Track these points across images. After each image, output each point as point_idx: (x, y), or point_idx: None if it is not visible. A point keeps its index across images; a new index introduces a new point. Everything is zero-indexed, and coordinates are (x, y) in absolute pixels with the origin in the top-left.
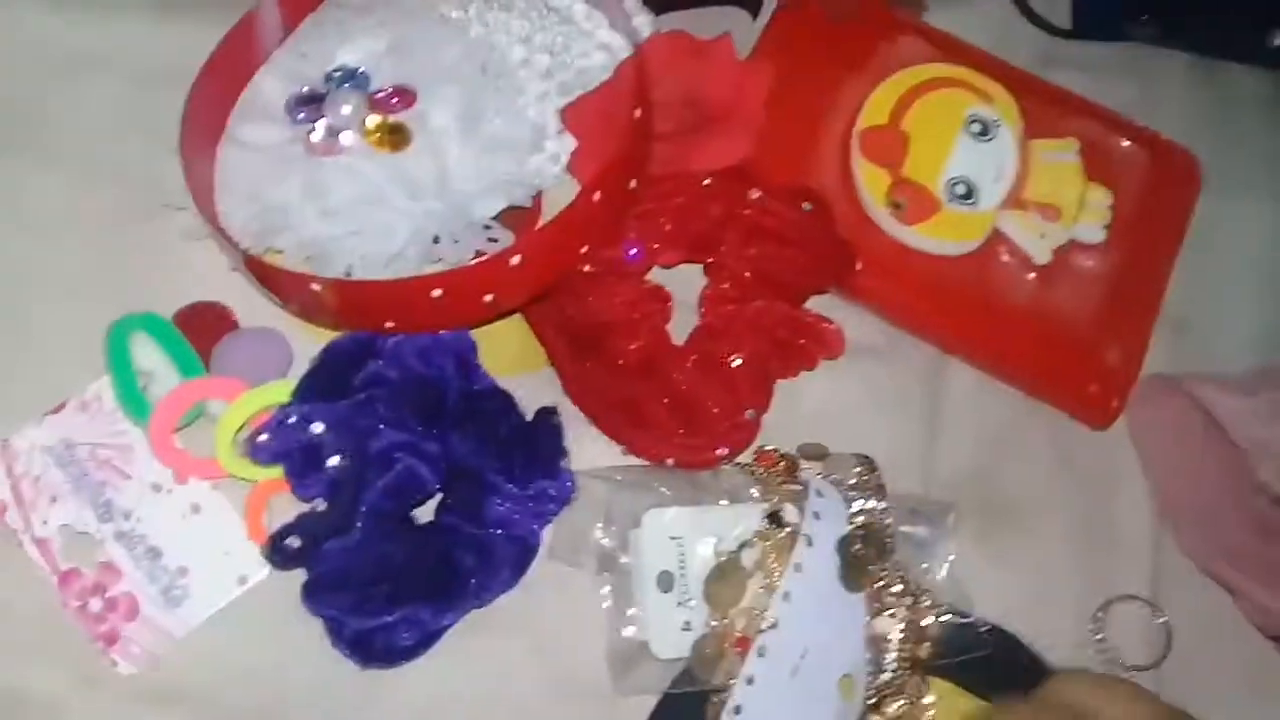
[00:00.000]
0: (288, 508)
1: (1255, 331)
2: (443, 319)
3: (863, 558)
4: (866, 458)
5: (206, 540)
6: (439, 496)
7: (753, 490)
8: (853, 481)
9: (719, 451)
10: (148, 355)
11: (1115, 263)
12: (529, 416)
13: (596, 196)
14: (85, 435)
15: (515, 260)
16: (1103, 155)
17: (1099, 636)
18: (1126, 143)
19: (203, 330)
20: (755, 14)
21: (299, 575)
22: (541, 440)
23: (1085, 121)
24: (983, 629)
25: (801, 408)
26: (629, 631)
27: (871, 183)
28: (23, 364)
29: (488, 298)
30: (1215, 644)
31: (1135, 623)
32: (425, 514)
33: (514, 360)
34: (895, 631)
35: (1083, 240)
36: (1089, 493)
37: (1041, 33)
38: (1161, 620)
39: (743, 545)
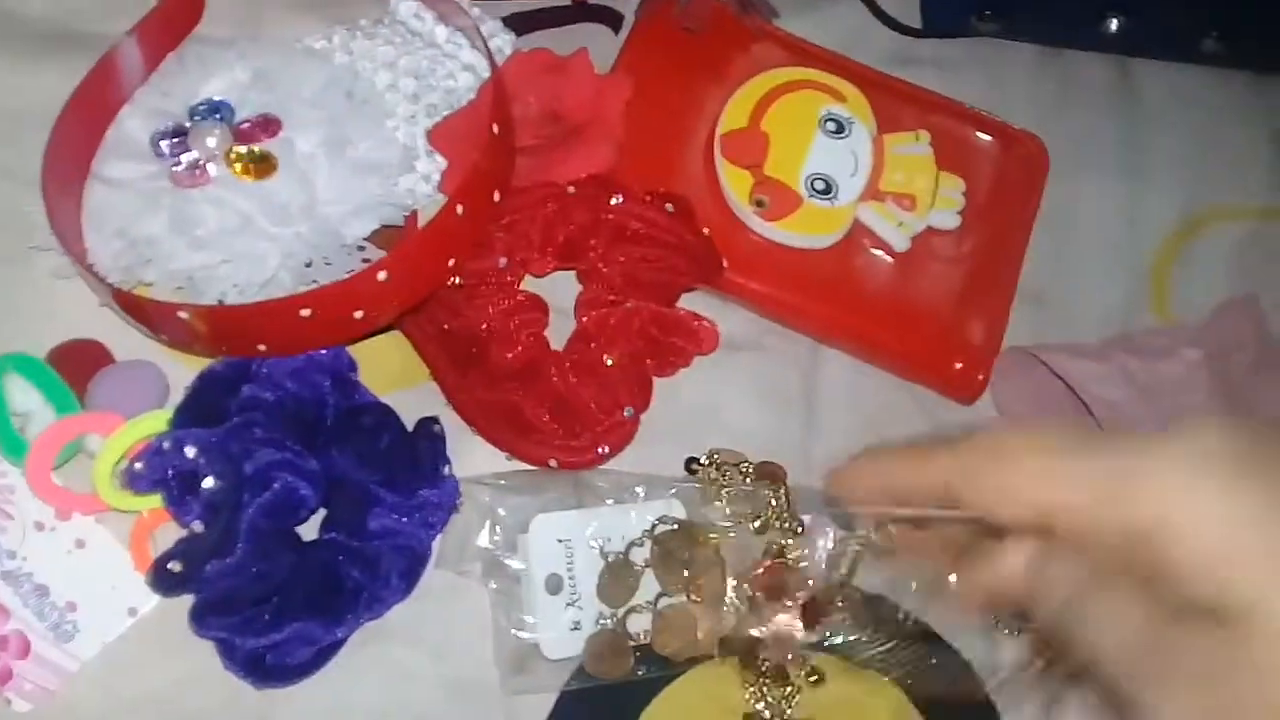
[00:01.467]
0: (172, 536)
1: (1107, 301)
2: (315, 338)
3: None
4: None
5: (93, 574)
6: (323, 513)
7: (637, 489)
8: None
9: (600, 450)
10: (23, 395)
11: (971, 246)
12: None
13: (459, 210)
14: None
15: (382, 276)
16: (954, 146)
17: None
18: (976, 132)
19: (77, 367)
20: (616, 29)
21: (189, 601)
22: (423, 450)
23: (936, 115)
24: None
25: (681, 404)
26: (519, 634)
27: (735, 183)
28: None
29: (358, 314)
30: None
31: None
32: (311, 531)
33: (397, 376)
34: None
35: (939, 227)
36: None
37: (893, 33)
38: None
39: (631, 544)
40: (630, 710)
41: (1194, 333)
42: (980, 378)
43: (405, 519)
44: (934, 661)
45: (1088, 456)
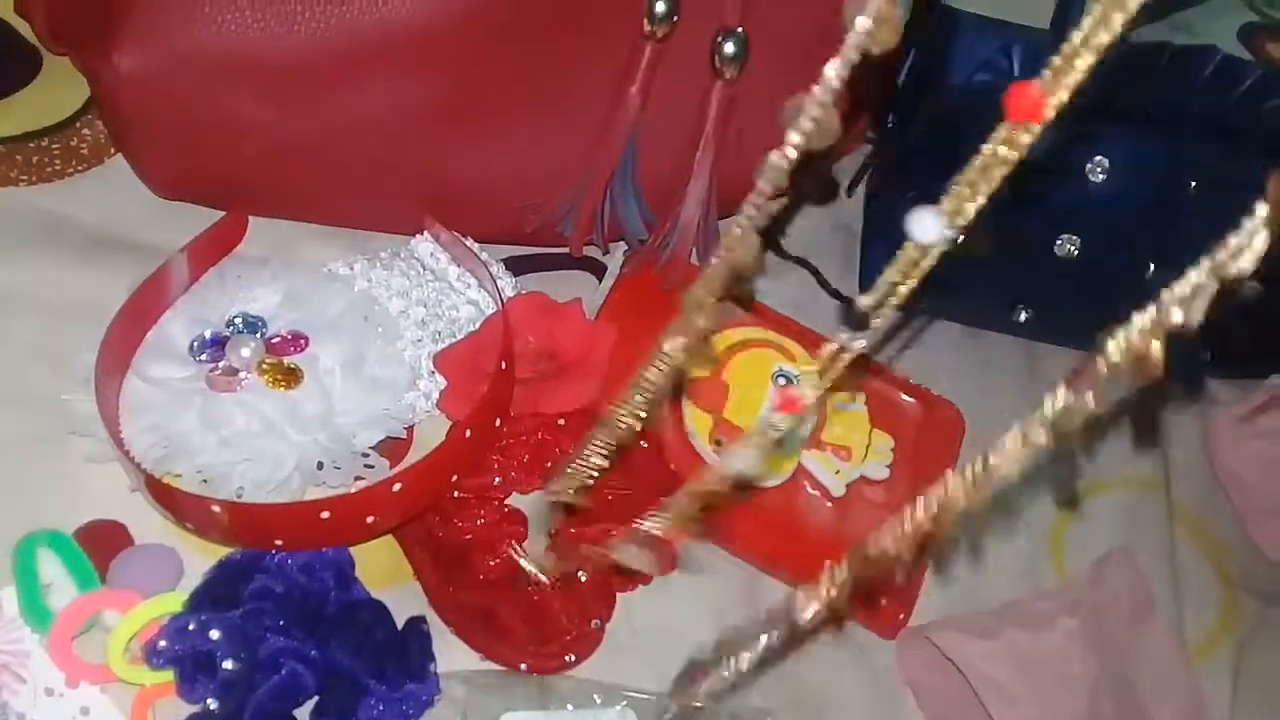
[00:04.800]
0: (170, 709)
1: (1012, 556)
2: (328, 538)
3: None
4: None
5: None
6: (315, 698)
7: (595, 696)
8: None
9: (568, 658)
10: (50, 568)
11: (897, 495)
12: (399, 624)
13: (468, 434)
14: None
15: (397, 488)
16: (885, 407)
17: None
18: (904, 397)
19: (100, 545)
20: (599, 278)
21: None
22: (411, 647)
23: (871, 378)
24: None
25: (637, 618)
26: None
27: (698, 423)
28: None
29: (370, 519)
30: None
31: None
32: (302, 714)
33: (385, 574)
34: None
35: (870, 476)
36: (881, 691)
37: (837, 303)
38: None
39: None
40: None
41: (1077, 592)
42: (901, 616)
43: (389, 710)
44: None
45: None
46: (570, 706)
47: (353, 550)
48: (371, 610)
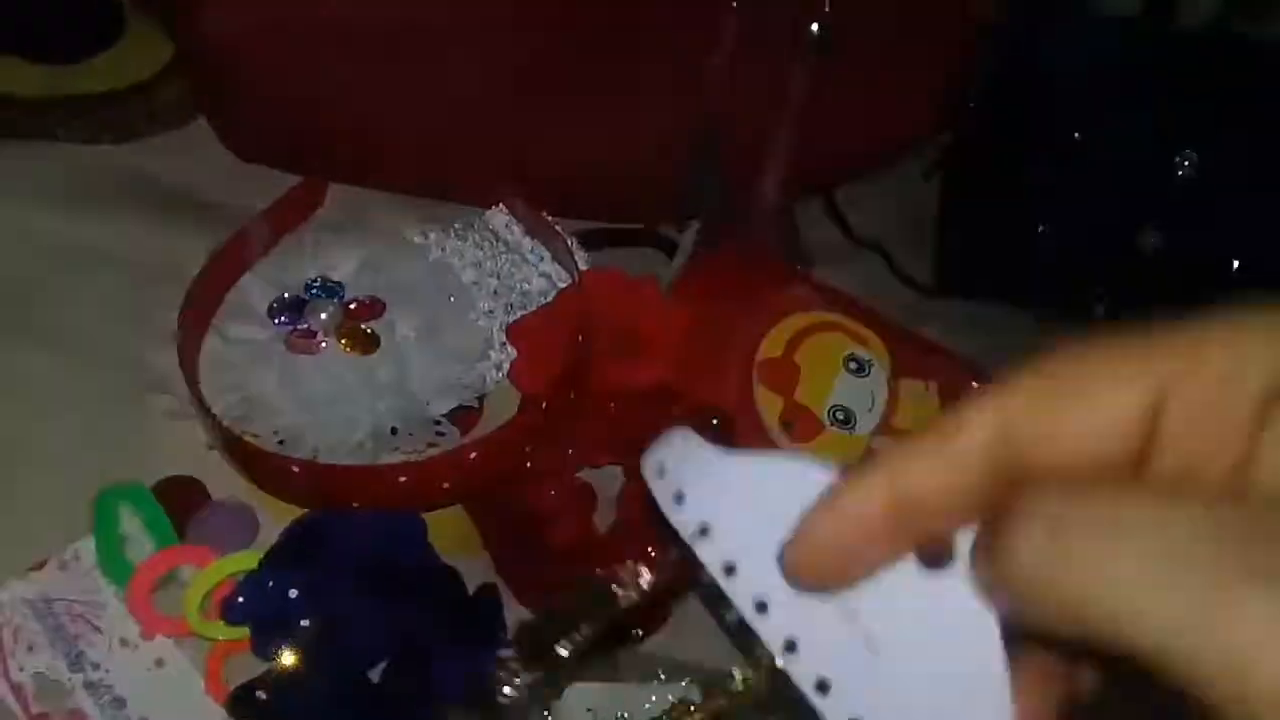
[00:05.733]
0: (243, 664)
1: None
2: (402, 502)
3: None
4: None
5: (168, 693)
6: (390, 660)
7: (660, 672)
8: None
9: (635, 633)
10: (128, 522)
11: None
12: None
13: (544, 406)
14: (63, 592)
15: (473, 456)
16: (956, 394)
17: None
18: (975, 384)
19: (177, 501)
20: (671, 255)
21: None
22: (483, 614)
23: (943, 367)
24: None
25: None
26: None
27: (768, 405)
28: (9, 525)
29: (445, 485)
30: None
31: None
32: (375, 674)
33: (455, 542)
34: None
35: None
36: None
37: (909, 289)
38: None
39: None
40: None
41: None
42: None
43: (457, 668)
44: None
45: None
46: (635, 681)
47: (427, 518)
48: (444, 575)
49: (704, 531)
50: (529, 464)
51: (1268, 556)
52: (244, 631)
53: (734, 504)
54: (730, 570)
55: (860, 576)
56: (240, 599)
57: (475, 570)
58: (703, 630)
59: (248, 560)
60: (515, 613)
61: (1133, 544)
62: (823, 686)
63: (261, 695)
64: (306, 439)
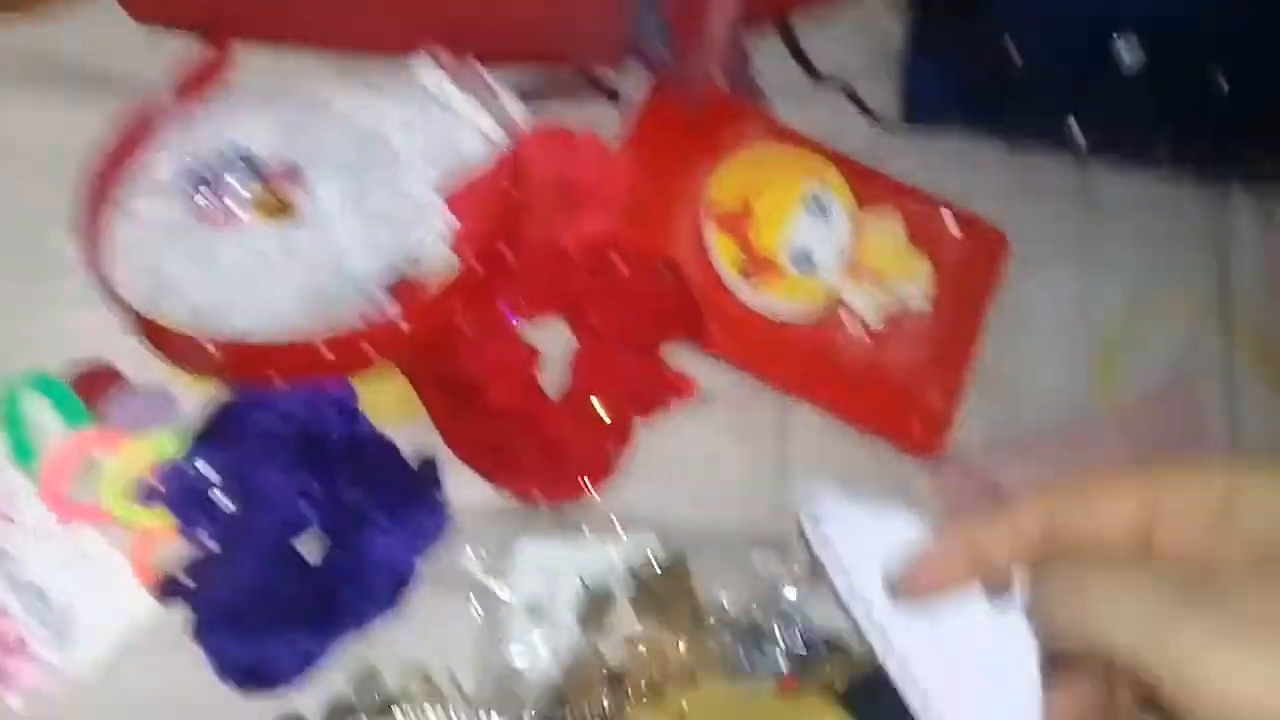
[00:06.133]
0: (172, 549)
1: (1055, 383)
2: (329, 373)
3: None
4: None
5: (93, 582)
6: (322, 534)
7: (617, 527)
8: None
9: (582, 485)
10: (39, 410)
11: (935, 324)
12: (408, 460)
13: (477, 268)
14: None
15: (404, 327)
16: (925, 232)
17: None
18: (945, 222)
19: (91, 386)
20: (616, 103)
21: (185, 611)
22: (420, 481)
23: (910, 203)
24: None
25: (662, 448)
26: (500, 654)
27: (724, 251)
28: None
29: (373, 356)
30: None
31: None
32: (310, 549)
33: (394, 409)
34: None
35: (909, 305)
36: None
37: (872, 125)
38: None
39: (611, 578)
40: None
41: (1125, 416)
42: (937, 440)
43: (398, 540)
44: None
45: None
46: (589, 535)
47: (359, 385)
48: (376, 444)
49: (838, 563)
50: (467, 324)
51: (1206, 597)
52: (167, 517)
53: (859, 545)
54: (852, 591)
55: (939, 600)
56: (159, 482)
57: (419, 436)
58: (656, 481)
59: (166, 442)
60: (458, 476)
61: (1106, 590)
62: (906, 674)
63: (185, 581)
64: (225, 317)
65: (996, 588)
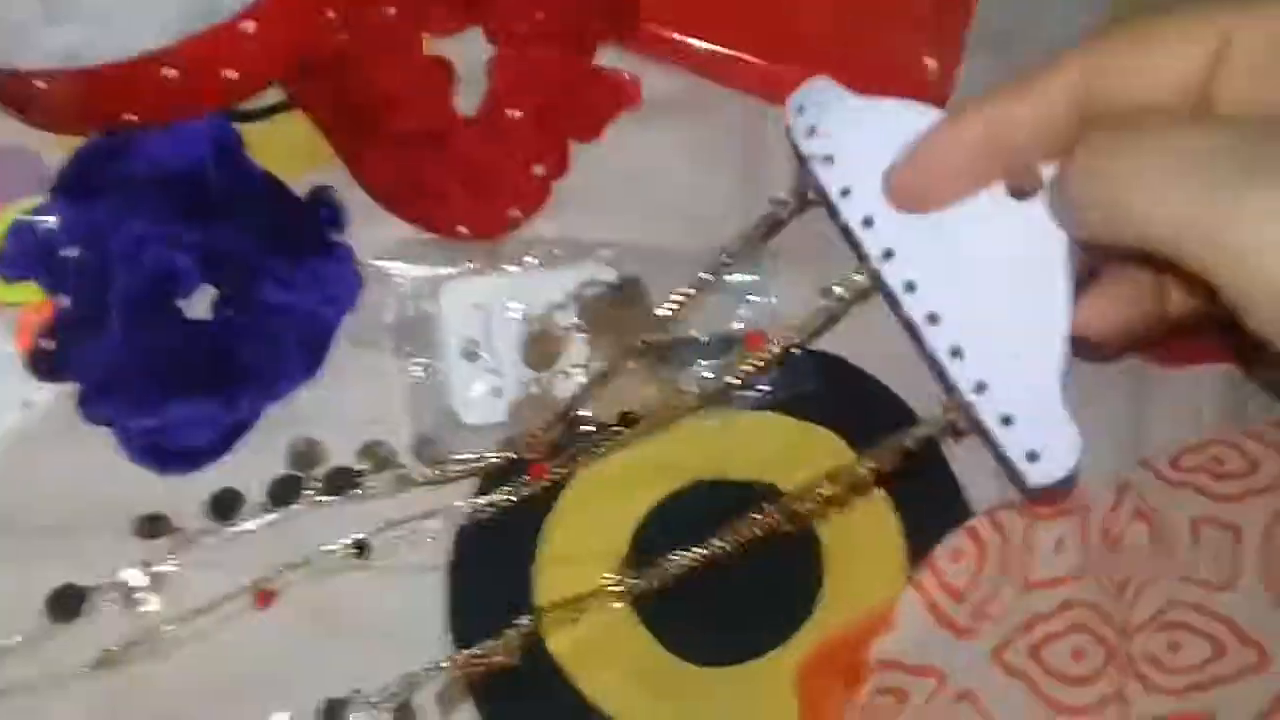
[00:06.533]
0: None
1: (1065, 36)
2: (186, 103)
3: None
4: None
5: None
6: (212, 289)
7: (558, 254)
8: None
9: (512, 214)
10: None
11: None
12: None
13: None
14: None
15: (248, 27)
16: None
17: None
18: None
19: None
20: None
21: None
22: (312, 218)
23: None
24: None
25: (605, 169)
26: (435, 403)
27: None
28: None
29: (229, 74)
30: None
31: None
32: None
33: (297, 154)
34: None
35: None
36: None
37: None
38: None
39: (555, 306)
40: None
41: None
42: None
43: (301, 291)
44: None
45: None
46: (529, 266)
47: (257, 133)
48: (259, 184)
49: (829, 159)
50: (354, 33)
51: (1273, 162)
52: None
53: (856, 138)
54: (846, 193)
55: (951, 199)
56: (12, 248)
57: (328, 182)
58: (602, 205)
59: (28, 207)
60: (375, 219)
61: (1144, 157)
62: (910, 287)
63: (47, 345)
64: (86, 60)
65: (1021, 182)
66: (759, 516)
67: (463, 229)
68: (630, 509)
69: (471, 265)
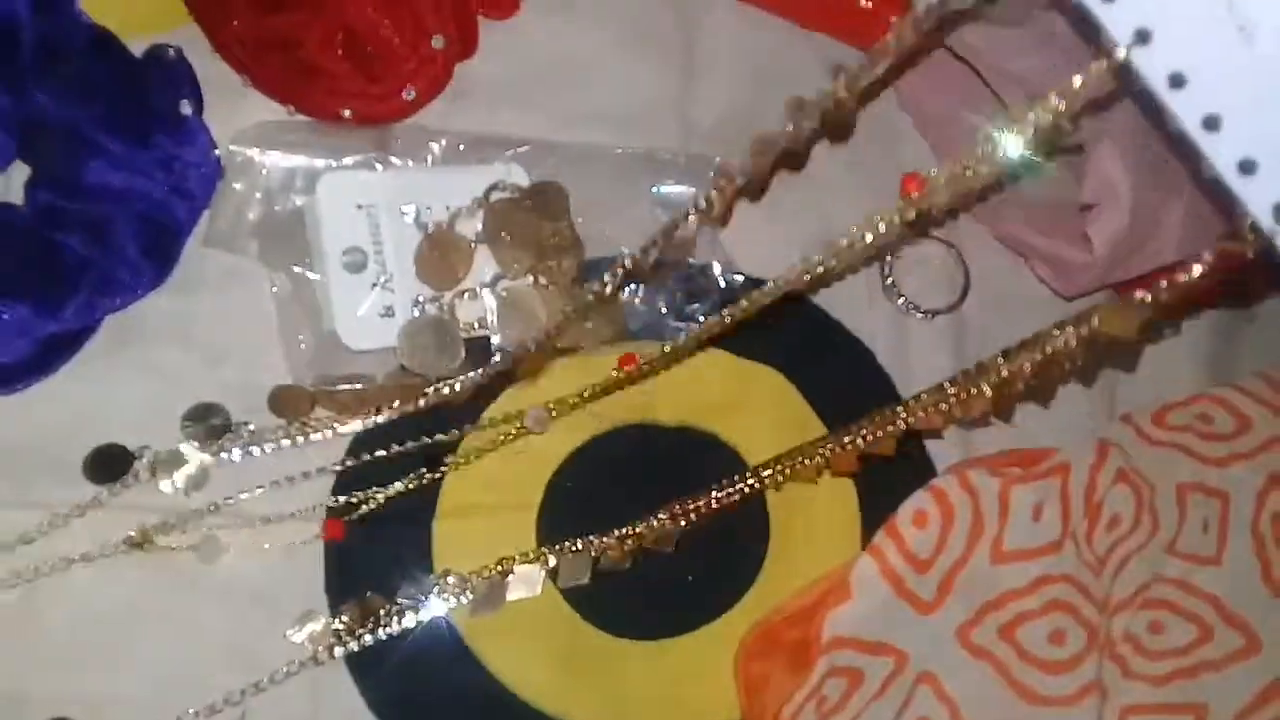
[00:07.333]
0: None
1: None
2: None
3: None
4: None
5: None
6: (26, 167)
7: (459, 147)
8: None
9: (406, 94)
10: None
11: None
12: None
13: None
14: None
15: None
16: None
17: (889, 281)
18: None
19: None
20: None
21: None
22: (155, 82)
23: None
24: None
25: (523, 52)
26: (312, 324)
27: None
28: None
29: None
30: (1010, 290)
31: (932, 269)
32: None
33: (148, 16)
34: None
35: None
36: (869, 134)
37: None
38: (958, 261)
39: (457, 213)
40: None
41: None
42: (892, 18)
43: (142, 176)
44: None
45: None
46: (427, 162)
47: None
48: (87, 39)
49: None
50: None
51: None
52: None
53: None
54: None
55: None
56: None
57: (189, 51)
58: (514, 95)
59: None
60: (241, 97)
61: None
62: (1177, 81)
63: None
64: None
65: None
66: (716, 494)
67: (346, 111)
68: (545, 456)
69: (356, 157)
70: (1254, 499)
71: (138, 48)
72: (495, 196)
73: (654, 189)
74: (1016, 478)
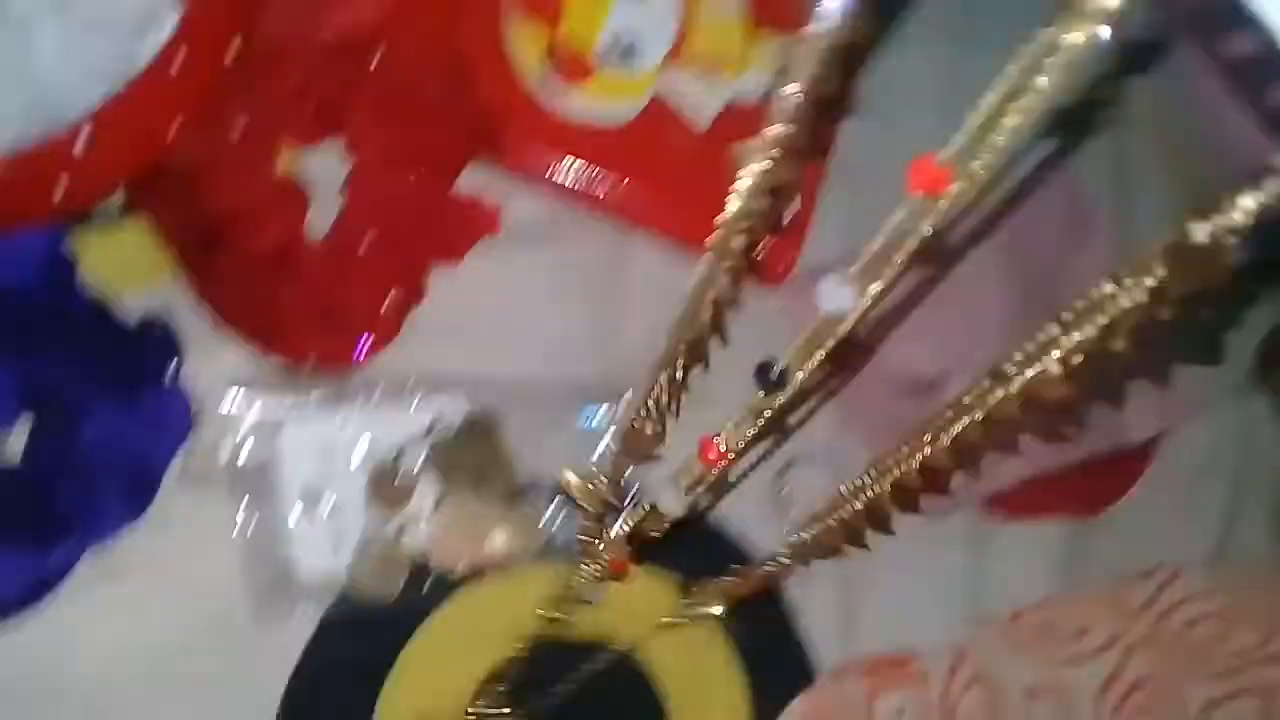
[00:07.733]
0: None
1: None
2: (10, 214)
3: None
4: None
5: None
6: (30, 417)
7: (412, 389)
8: None
9: (364, 341)
10: None
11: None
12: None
13: (177, 62)
14: None
15: (83, 138)
16: (769, 11)
17: (783, 491)
18: None
19: None
20: None
21: None
22: (148, 350)
23: None
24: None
25: (465, 298)
26: (272, 555)
27: (528, 43)
28: None
29: (61, 186)
30: None
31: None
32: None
33: (141, 272)
34: None
35: (748, 95)
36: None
37: None
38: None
39: (401, 449)
40: (395, 639)
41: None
42: (790, 257)
43: (131, 430)
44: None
45: None
46: (379, 403)
47: (92, 246)
48: (90, 312)
49: None
50: (198, 148)
51: None
52: None
53: None
54: None
55: None
56: None
57: (173, 301)
58: (457, 336)
59: None
60: (218, 343)
61: None
62: None
63: None
64: None
65: None
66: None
67: (312, 360)
68: (465, 675)
69: (315, 401)
70: (1091, 698)
71: (135, 295)
72: (436, 429)
73: (583, 416)
74: (881, 683)
